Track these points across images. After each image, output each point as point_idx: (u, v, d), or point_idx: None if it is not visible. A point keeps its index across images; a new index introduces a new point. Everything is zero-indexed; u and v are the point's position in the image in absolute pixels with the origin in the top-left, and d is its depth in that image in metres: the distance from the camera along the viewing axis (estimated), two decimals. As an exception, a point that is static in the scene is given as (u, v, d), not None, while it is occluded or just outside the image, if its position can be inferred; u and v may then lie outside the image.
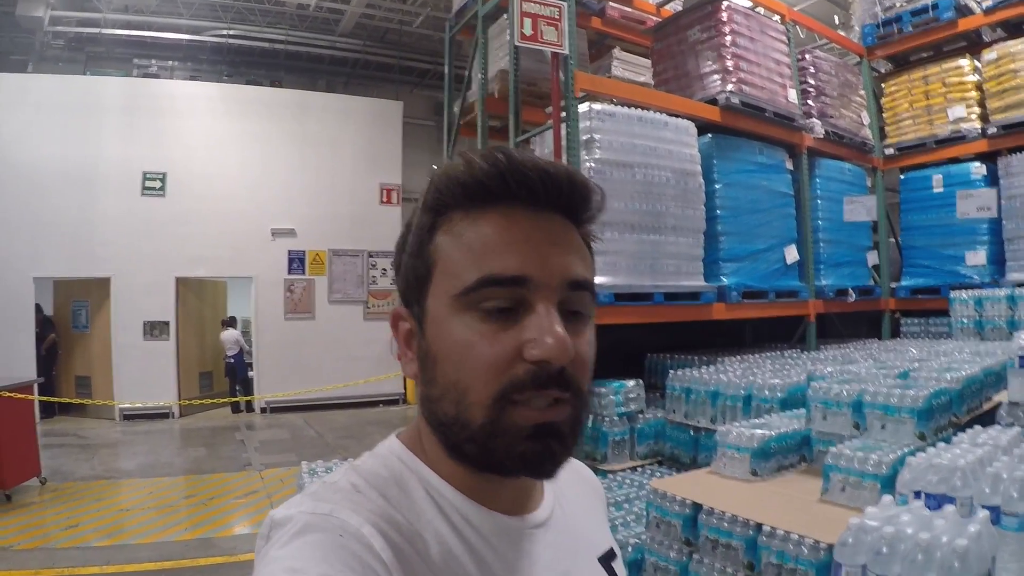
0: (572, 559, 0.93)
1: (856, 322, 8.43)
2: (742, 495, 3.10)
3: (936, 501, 2.23)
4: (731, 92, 6.30)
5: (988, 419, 3.49)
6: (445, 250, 0.82)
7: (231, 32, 15.01)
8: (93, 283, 13.25)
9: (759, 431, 3.38)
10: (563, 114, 5.25)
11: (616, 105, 5.65)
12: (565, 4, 5.24)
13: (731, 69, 6.38)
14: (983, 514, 1.90)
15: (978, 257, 7.60)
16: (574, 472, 1.07)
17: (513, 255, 0.79)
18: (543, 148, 5.87)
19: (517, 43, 5.07)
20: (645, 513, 3.35)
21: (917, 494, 2.33)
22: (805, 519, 2.72)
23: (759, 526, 2.71)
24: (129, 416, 12.86)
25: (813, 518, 2.75)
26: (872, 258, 8.31)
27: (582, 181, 0.86)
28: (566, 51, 5.18)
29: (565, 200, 0.84)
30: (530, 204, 0.82)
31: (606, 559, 1.00)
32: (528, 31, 5.05)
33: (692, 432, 4.74)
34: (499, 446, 0.78)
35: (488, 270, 0.79)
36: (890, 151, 8.57)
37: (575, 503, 1.01)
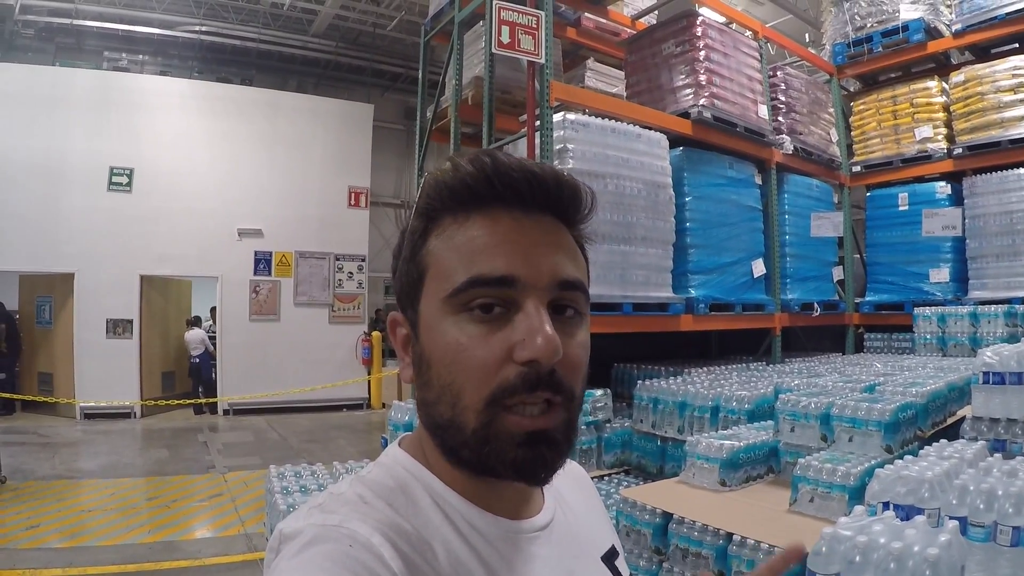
0: (576, 560, 0.93)
1: (820, 336, 8.53)
2: (712, 505, 3.12)
3: (904, 512, 2.26)
4: (703, 106, 6.35)
5: (952, 433, 3.54)
6: (436, 254, 0.83)
7: (203, 28, 14.86)
8: (57, 278, 13.02)
9: (728, 442, 3.41)
10: (537, 123, 5.26)
11: (589, 116, 5.67)
12: (543, 13, 5.26)
13: (704, 83, 6.43)
14: (952, 524, 1.93)
15: (941, 275, 7.73)
16: (567, 474, 1.07)
17: (501, 256, 0.80)
18: (516, 155, 5.87)
19: (495, 51, 5.08)
20: (615, 522, 3.36)
21: (886, 505, 2.36)
22: (775, 529, 2.75)
23: (729, 535, 2.74)
24: (90, 415, 12.63)
25: (783, 528, 2.78)
26: (837, 273, 8.42)
27: (570, 182, 0.86)
28: (543, 60, 5.20)
29: (553, 201, 0.85)
30: (518, 206, 0.82)
31: (609, 558, 1.00)
32: (506, 39, 5.05)
33: (659, 442, 4.76)
34: (491, 452, 0.78)
35: (476, 271, 0.79)
36: (857, 168, 8.71)
37: (573, 504, 1.01)
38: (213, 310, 14.65)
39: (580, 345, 0.84)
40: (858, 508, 2.11)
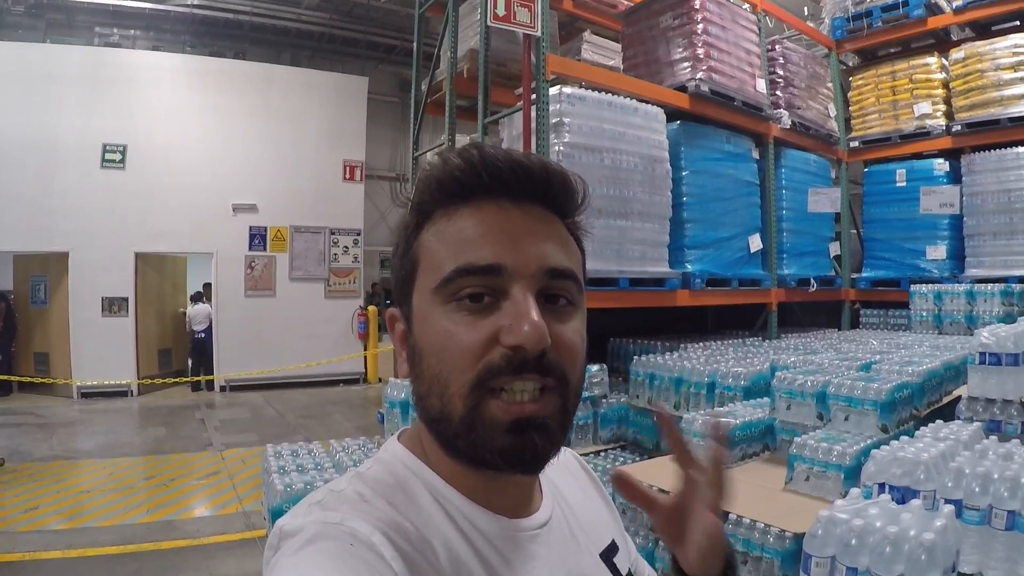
0: (574, 559, 0.92)
1: (816, 312, 8.53)
2: (707, 483, 3.11)
3: (900, 493, 2.26)
4: (701, 80, 6.31)
5: (947, 412, 3.54)
6: (426, 247, 0.83)
7: (195, 2, 14.72)
8: (52, 258, 12.91)
9: (724, 419, 3.40)
10: (533, 96, 5.21)
11: (586, 89, 5.63)
12: (539, -15, 5.20)
13: (701, 57, 6.38)
14: (948, 509, 1.92)
15: (938, 252, 7.72)
16: (563, 466, 1.06)
17: (488, 245, 0.79)
18: (512, 130, 5.85)
19: (490, 23, 5.02)
20: (612, 499, 3.36)
21: (882, 486, 2.36)
22: (770, 508, 2.75)
23: (725, 514, 2.73)
24: (87, 394, 12.58)
25: (778, 507, 2.77)
26: (834, 249, 8.41)
27: (559, 172, 0.85)
28: (539, 33, 5.15)
29: (542, 191, 0.84)
30: (506, 197, 0.82)
31: (607, 554, 0.99)
32: (501, 11, 5.00)
33: (655, 418, 4.76)
34: (479, 439, 0.77)
35: (464, 260, 0.79)
36: (855, 144, 8.68)
37: (571, 499, 1.01)
38: (207, 286, 14.56)
39: (573, 331, 0.82)
40: (854, 491, 2.10)
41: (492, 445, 0.77)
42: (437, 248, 0.82)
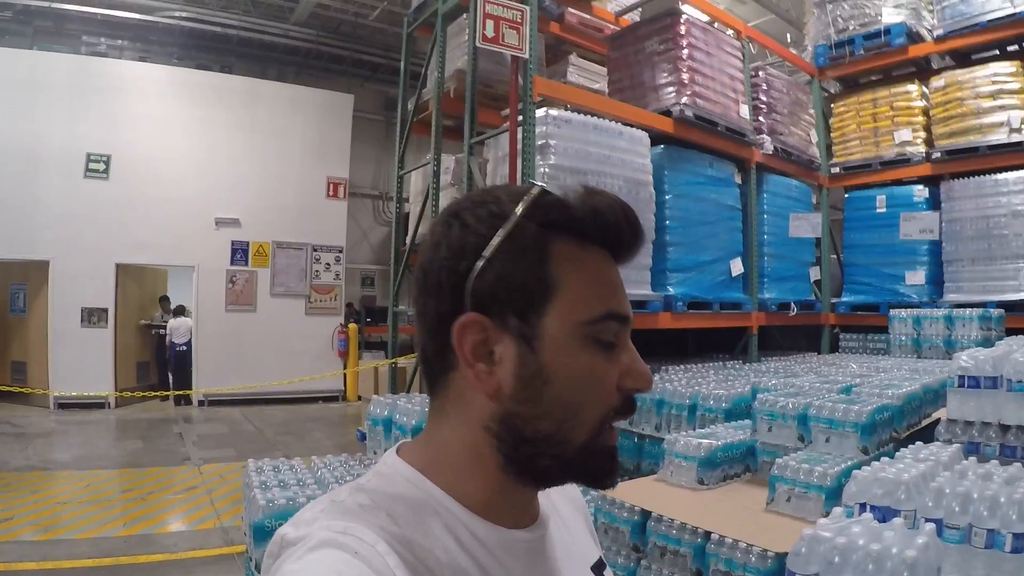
0: (569, 569, 0.94)
1: (796, 335, 8.60)
2: (690, 503, 3.13)
3: (881, 513, 2.28)
4: (685, 104, 6.38)
5: (927, 434, 3.58)
6: (570, 275, 0.83)
7: (183, 14, 14.68)
8: (32, 266, 12.77)
9: (706, 441, 3.42)
10: (520, 118, 5.26)
11: (572, 111, 5.68)
12: (528, 8, 5.25)
13: (686, 82, 6.46)
14: (930, 527, 1.94)
15: (917, 277, 7.81)
16: (560, 489, 1.08)
17: (622, 297, 0.87)
18: (497, 151, 5.89)
19: (479, 44, 5.07)
20: (593, 519, 3.37)
21: (863, 506, 2.38)
22: (752, 528, 2.76)
23: (707, 534, 2.75)
24: (64, 405, 12.39)
25: (760, 527, 2.79)
26: (814, 273, 8.49)
27: (643, 239, 0.91)
28: (527, 55, 5.20)
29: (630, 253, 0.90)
30: (612, 251, 0.87)
31: (598, 568, 1.01)
32: (490, 33, 5.05)
33: (636, 439, 4.77)
34: (594, 463, 0.85)
35: (613, 307, 0.84)
36: (836, 170, 8.79)
37: (564, 514, 1.02)
38: (163, 299, 14.52)
39: None
40: (836, 510, 2.12)
41: (605, 467, 0.86)
42: (584, 282, 0.83)
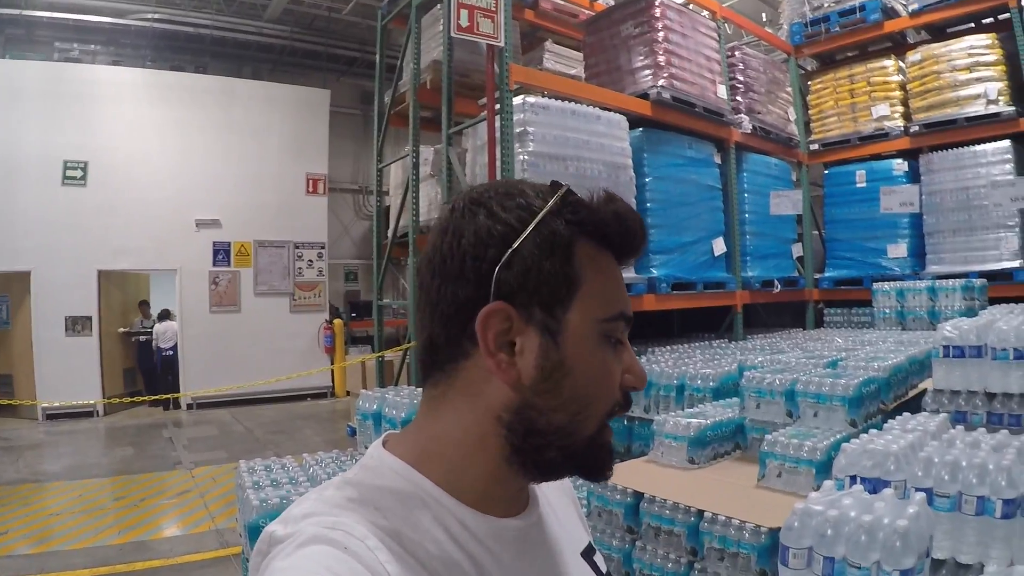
0: (560, 556, 0.94)
1: (781, 312, 8.64)
2: (682, 482, 3.15)
3: (871, 485, 2.30)
4: (662, 87, 6.38)
5: (914, 405, 3.60)
6: (592, 273, 0.85)
7: (156, 15, 14.53)
8: (13, 277, 12.63)
9: (695, 420, 3.43)
10: (497, 106, 5.25)
11: (548, 98, 5.67)
12: (501, -4, 5.24)
13: (663, 64, 6.46)
14: (920, 496, 1.96)
15: (899, 250, 7.86)
16: None
17: (627, 299, 0.90)
18: (476, 140, 5.87)
19: (453, 34, 5.05)
20: (586, 503, 3.38)
21: (853, 479, 2.39)
22: (745, 504, 2.78)
23: (701, 512, 2.76)
24: (52, 415, 12.31)
25: (752, 503, 2.81)
26: (797, 250, 8.53)
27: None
28: (502, 43, 5.19)
29: (634, 259, 0.95)
30: (619, 257, 0.90)
31: (587, 554, 1.02)
32: (464, 22, 5.04)
33: (625, 421, 4.77)
34: (594, 456, 0.87)
35: (625, 308, 0.88)
36: (815, 147, 8.83)
37: (554, 501, 1.02)
38: (143, 304, 14.43)
39: None
40: (827, 483, 2.13)
41: (604, 462, 0.88)
42: (604, 282, 0.86)
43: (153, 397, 13.18)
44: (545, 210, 0.83)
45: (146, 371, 14.18)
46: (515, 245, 0.81)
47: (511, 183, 0.89)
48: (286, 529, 0.76)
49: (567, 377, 0.82)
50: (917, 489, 2.18)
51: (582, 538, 1.04)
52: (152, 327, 13.77)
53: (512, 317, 0.82)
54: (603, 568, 1.03)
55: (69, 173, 12.75)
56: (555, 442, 0.83)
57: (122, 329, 13.94)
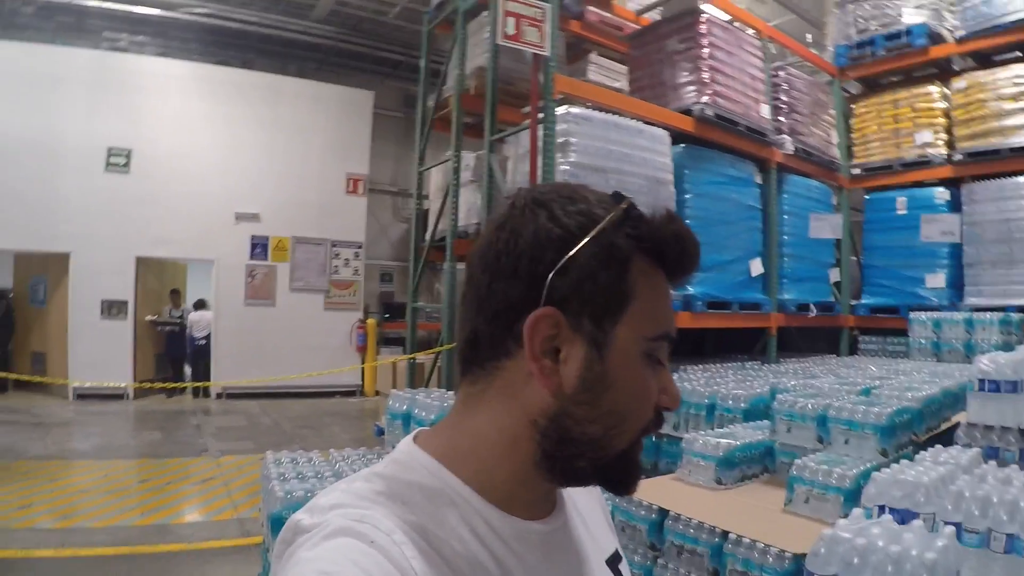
0: (585, 562, 0.94)
1: (815, 337, 8.56)
2: (707, 502, 3.13)
3: (900, 516, 2.28)
4: (706, 104, 6.37)
5: (946, 438, 3.56)
6: (644, 291, 0.84)
7: (204, 10, 14.72)
8: (52, 258, 12.88)
9: (725, 440, 3.42)
10: (541, 115, 5.26)
11: (592, 109, 5.67)
12: (549, 5, 5.26)
13: (707, 81, 6.44)
14: (949, 529, 1.94)
15: (937, 280, 7.76)
16: None
17: (674, 320, 0.90)
18: (518, 148, 5.89)
19: (499, 42, 5.08)
20: (610, 515, 3.37)
21: (882, 508, 2.37)
22: (770, 528, 2.76)
23: (725, 533, 2.75)
24: (82, 395, 12.49)
25: (778, 527, 2.79)
26: (834, 275, 8.45)
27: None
28: (547, 53, 5.21)
29: (684, 282, 0.93)
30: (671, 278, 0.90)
31: (613, 562, 1.01)
32: (511, 31, 5.06)
33: (654, 438, 4.77)
34: (625, 471, 0.88)
35: (670, 328, 0.88)
36: (856, 171, 8.75)
37: (581, 507, 1.02)
38: (174, 292, 14.46)
39: None
40: (856, 511, 2.12)
41: (636, 474, 0.89)
42: (653, 299, 0.85)
43: (181, 384, 13.34)
44: (607, 220, 0.82)
45: (174, 360, 14.26)
46: (573, 252, 0.80)
47: (574, 188, 0.89)
48: (312, 519, 0.76)
49: (608, 391, 0.82)
50: (946, 523, 2.15)
51: (609, 545, 1.04)
52: (180, 316, 13.88)
53: (560, 324, 0.81)
54: None
55: (112, 160, 12.97)
56: (587, 453, 0.83)
57: (149, 317, 13.92)
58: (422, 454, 0.87)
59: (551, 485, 0.89)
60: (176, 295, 14.36)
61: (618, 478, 0.88)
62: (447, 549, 0.78)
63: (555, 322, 0.81)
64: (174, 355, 14.18)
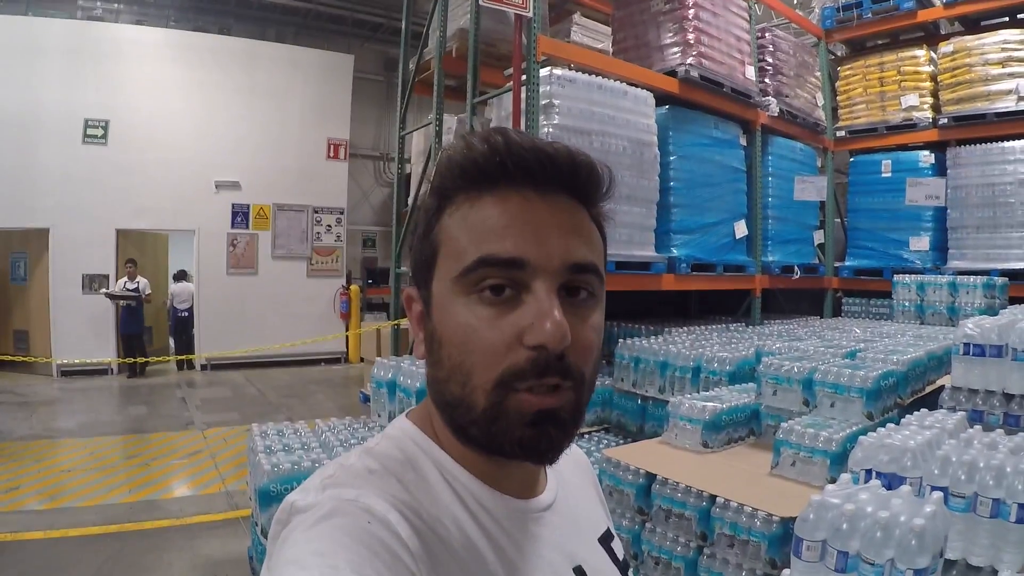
0: (576, 540, 0.93)
1: (798, 299, 8.59)
2: (694, 466, 3.14)
3: (887, 480, 2.29)
4: (691, 65, 6.31)
5: (930, 401, 3.58)
6: (448, 233, 0.81)
7: (180, -24, 14.55)
8: (32, 234, 12.74)
9: (711, 403, 3.43)
10: (524, 77, 5.20)
11: (575, 71, 5.61)
12: (531, -34, 5.17)
13: (692, 42, 6.38)
14: (937, 495, 1.94)
15: (921, 243, 7.79)
16: (570, 456, 1.07)
17: (511, 237, 0.78)
18: (501, 111, 5.84)
19: (482, 3, 5.00)
20: (598, 481, 3.38)
21: (868, 472, 2.38)
22: (757, 492, 2.77)
23: (712, 497, 2.75)
24: (67, 372, 12.46)
25: (765, 491, 2.80)
26: (818, 237, 8.45)
27: (585, 160, 0.83)
28: (531, 14, 5.12)
29: (568, 181, 0.82)
30: (531, 186, 0.80)
31: (605, 539, 1.01)
32: (493, -9, 4.97)
33: (639, 401, 4.78)
34: (500, 430, 0.77)
35: (486, 250, 0.77)
36: (841, 133, 8.73)
37: (573, 484, 1.01)
38: (129, 262, 13.12)
39: (592, 328, 0.82)
40: (843, 476, 2.12)
41: (512, 436, 0.77)
42: (459, 236, 0.80)
43: (166, 358, 13.22)
44: (424, 191, 0.86)
45: (127, 337, 12.99)
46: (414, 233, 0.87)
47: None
48: (307, 499, 0.75)
49: (442, 346, 0.80)
50: (933, 488, 2.16)
51: (600, 523, 1.03)
52: (136, 289, 12.82)
53: (415, 298, 0.87)
54: (620, 555, 1.01)
55: (90, 132, 12.82)
56: (465, 416, 0.79)
57: (104, 290, 12.89)
58: (414, 430, 0.87)
59: (495, 457, 0.82)
60: (132, 265, 13.04)
61: (507, 441, 0.77)
62: (441, 528, 0.77)
63: (415, 298, 0.86)
64: (128, 331, 12.92)
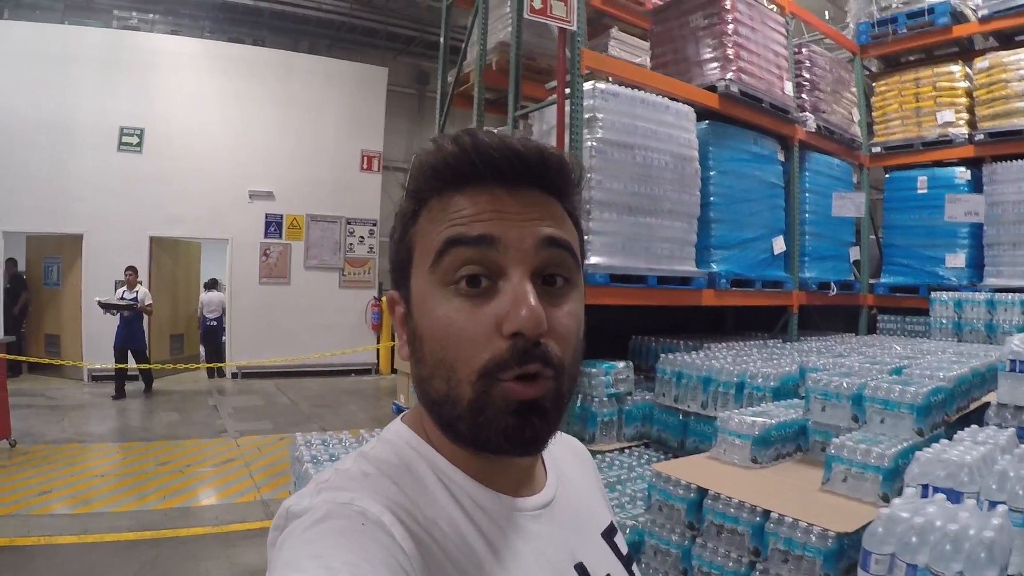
0: (577, 537, 0.94)
1: (833, 316, 8.54)
2: (745, 481, 3.14)
3: (944, 495, 2.29)
4: (730, 80, 6.31)
5: (974, 419, 3.56)
6: (422, 230, 0.84)
7: (215, -12, 14.72)
8: (66, 239, 12.93)
9: (760, 419, 3.42)
10: (568, 91, 5.23)
11: (615, 85, 5.64)
12: (575, -20, 5.21)
13: (731, 57, 6.39)
14: (1002, 508, 1.95)
15: (957, 260, 7.73)
16: (567, 447, 1.10)
17: (481, 221, 0.80)
18: (543, 124, 5.87)
19: (527, 16, 5.02)
20: (647, 496, 3.38)
21: (924, 487, 2.38)
22: (811, 507, 2.77)
23: (766, 512, 2.75)
24: (97, 377, 12.59)
25: (818, 507, 2.79)
26: (854, 254, 8.41)
27: (555, 155, 0.85)
28: (575, 27, 5.16)
29: (538, 176, 0.83)
30: (501, 184, 0.82)
31: (608, 534, 1.01)
32: (538, 5, 5.01)
33: (681, 416, 4.78)
34: (485, 421, 0.78)
35: (454, 232, 0.80)
36: (877, 149, 8.69)
37: (574, 480, 1.02)
38: (129, 270, 12.11)
39: (568, 315, 0.83)
40: (908, 490, 2.13)
41: (497, 427, 0.78)
42: (431, 229, 0.82)
43: (197, 365, 13.28)
44: (401, 199, 0.89)
45: (119, 350, 11.76)
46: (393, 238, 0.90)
47: None
48: (302, 504, 0.76)
49: (423, 343, 0.82)
50: (991, 503, 2.16)
51: (603, 518, 1.04)
52: (134, 299, 11.75)
53: (397, 300, 0.89)
54: (624, 549, 1.02)
55: (125, 139, 13.02)
56: (451, 412, 0.80)
57: (98, 299, 11.85)
58: (409, 432, 0.89)
59: (483, 453, 0.83)
60: (132, 273, 11.95)
61: (495, 434, 0.78)
62: (436, 530, 0.79)
63: (396, 300, 0.88)
64: (121, 344, 11.79)
